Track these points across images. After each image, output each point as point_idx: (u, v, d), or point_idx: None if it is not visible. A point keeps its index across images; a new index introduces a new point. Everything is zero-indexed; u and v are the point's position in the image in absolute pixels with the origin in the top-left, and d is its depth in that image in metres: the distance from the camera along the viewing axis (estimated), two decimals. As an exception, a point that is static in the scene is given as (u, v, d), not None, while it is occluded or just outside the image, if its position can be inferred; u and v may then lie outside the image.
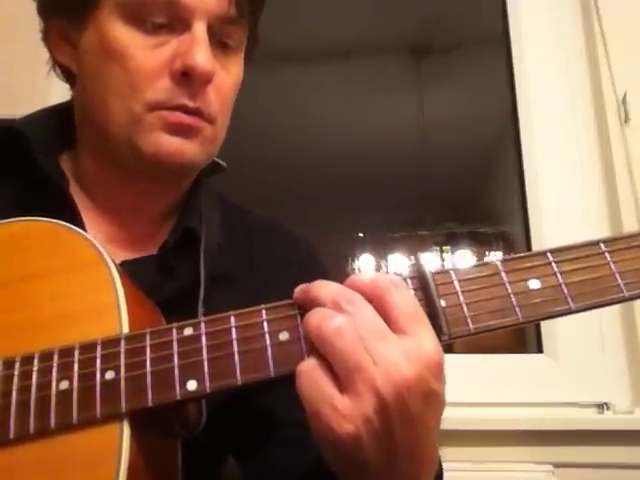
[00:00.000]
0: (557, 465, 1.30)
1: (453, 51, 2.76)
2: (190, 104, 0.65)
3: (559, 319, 1.61)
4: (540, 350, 1.48)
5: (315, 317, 0.46)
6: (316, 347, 0.45)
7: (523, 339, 1.99)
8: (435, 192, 3.20)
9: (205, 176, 0.77)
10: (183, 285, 0.68)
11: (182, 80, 0.64)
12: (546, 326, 1.47)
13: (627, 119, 1.43)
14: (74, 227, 0.58)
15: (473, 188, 3.55)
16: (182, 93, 0.64)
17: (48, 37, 0.72)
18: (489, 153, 3.22)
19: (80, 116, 0.72)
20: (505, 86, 1.68)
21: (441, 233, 3.47)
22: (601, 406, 1.36)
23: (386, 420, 0.43)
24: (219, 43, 0.68)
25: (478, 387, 1.42)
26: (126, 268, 0.59)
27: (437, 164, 3.16)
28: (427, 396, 0.44)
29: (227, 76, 0.69)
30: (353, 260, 3.46)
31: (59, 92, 0.76)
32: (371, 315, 0.45)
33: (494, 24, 1.76)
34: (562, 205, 1.49)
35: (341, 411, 0.43)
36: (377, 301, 0.46)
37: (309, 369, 0.45)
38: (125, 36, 0.64)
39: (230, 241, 0.75)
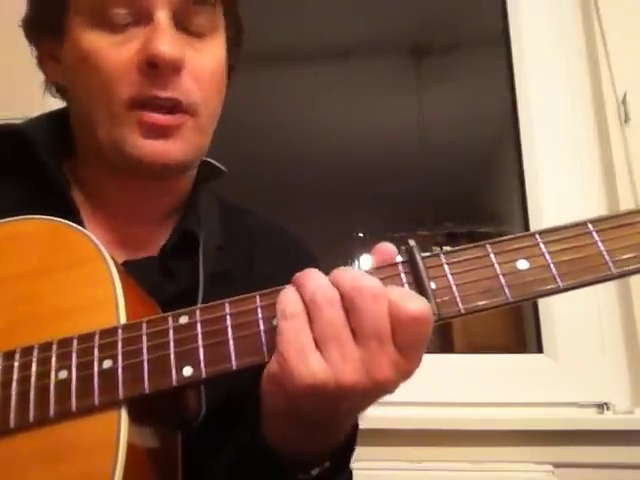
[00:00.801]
0: (557, 465, 1.30)
1: (453, 51, 2.76)
2: (162, 94, 0.63)
3: (559, 319, 1.59)
4: (540, 350, 1.49)
5: (313, 285, 0.48)
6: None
7: (523, 339, 1.99)
8: (435, 192, 3.20)
9: (204, 180, 0.76)
10: (183, 287, 0.68)
11: (150, 71, 0.62)
12: (546, 326, 1.47)
13: (627, 119, 1.43)
14: (74, 224, 0.59)
15: (473, 188, 3.55)
16: (151, 84, 0.63)
17: (41, 60, 0.72)
18: (489, 153, 3.22)
19: (74, 125, 0.73)
20: (505, 86, 1.68)
21: (441, 233, 3.47)
22: (601, 406, 1.36)
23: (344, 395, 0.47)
24: (189, 29, 0.66)
25: (478, 387, 1.42)
26: (127, 268, 0.59)
27: (437, 164, 3.16)
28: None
29: (204, 61, 0.67)
30: (353, 260, 3.46)
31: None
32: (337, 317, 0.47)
33: (494, 24, 1.76)
34: (562, 205, 1.49)
35: (310, 366, 0.45)
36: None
37: (298, 315, 0.47)
38: (94, 38, 0.64)
39: (230, 242, 0.75)
